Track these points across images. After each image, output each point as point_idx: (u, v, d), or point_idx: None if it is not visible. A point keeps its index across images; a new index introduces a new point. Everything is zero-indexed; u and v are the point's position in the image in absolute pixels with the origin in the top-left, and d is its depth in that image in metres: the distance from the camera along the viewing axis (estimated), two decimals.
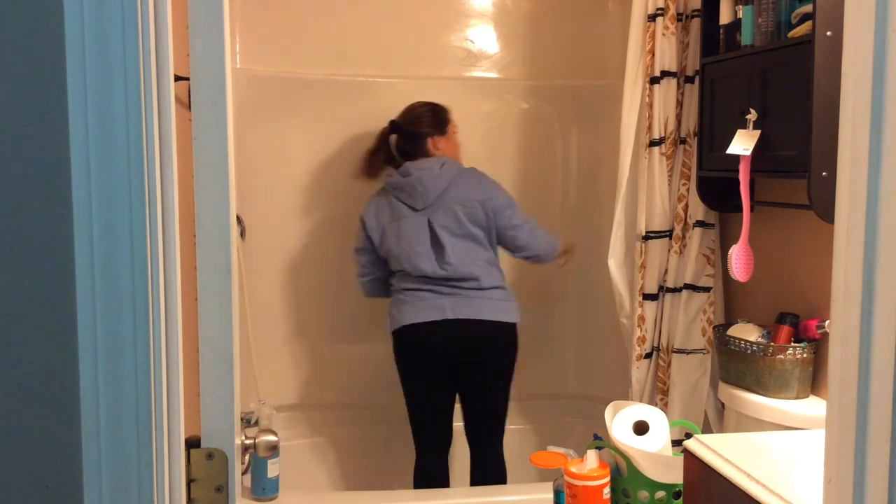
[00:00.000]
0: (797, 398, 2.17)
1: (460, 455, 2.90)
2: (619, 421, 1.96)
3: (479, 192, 2.66)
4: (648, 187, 2.59)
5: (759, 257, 2.31)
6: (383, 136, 2.77)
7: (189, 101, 0.95)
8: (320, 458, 3.11)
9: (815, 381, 2.21)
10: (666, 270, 2.63)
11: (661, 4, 2.53)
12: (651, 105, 2.56)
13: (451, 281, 2.61)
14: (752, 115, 2.16)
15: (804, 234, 2.31)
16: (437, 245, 2.61)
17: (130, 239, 0.86)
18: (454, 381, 2.71)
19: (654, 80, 2.56)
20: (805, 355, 2.17)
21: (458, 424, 2.80)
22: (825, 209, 1.96)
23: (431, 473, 2.72)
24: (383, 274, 2.74)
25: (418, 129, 2.73)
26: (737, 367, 2.26)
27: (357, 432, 3.15)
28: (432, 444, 2.74)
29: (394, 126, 2.76)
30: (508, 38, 3.23)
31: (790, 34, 2.06)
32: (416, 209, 2.64)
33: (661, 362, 2.64)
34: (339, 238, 3.15)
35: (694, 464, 1.47)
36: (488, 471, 2.74)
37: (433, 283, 2.61)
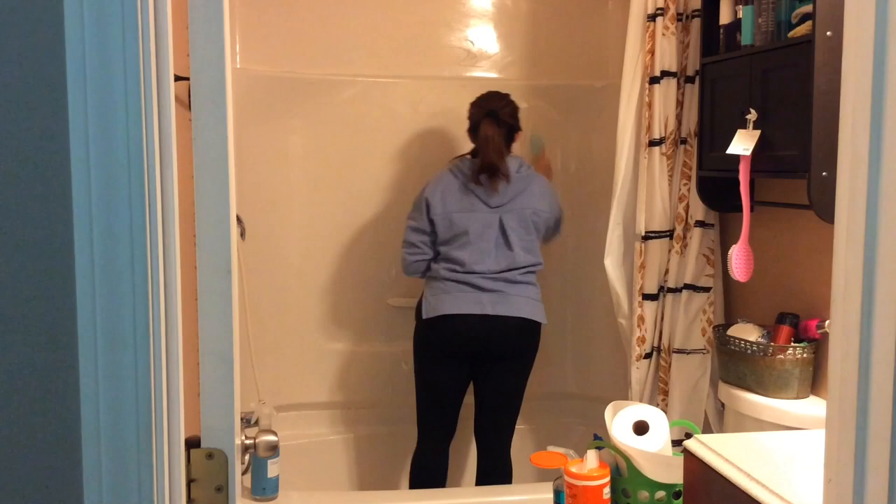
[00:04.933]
0: (797, 398, 2.17)
1: (463, 454, 2.90)
2: (619, 421, 1.96)
3: (546, 203, 2.73)
4: (648, 187, 2.59)
5: (759, 257, 2.31)
6: (497, 136, 2.68)
7: (189, 101, 0.95)
8: (320, 458, 3.11)
9: (815, 381, 2.21)
10: (667, 270, 2.63)
11: (661, 4, 2.53)
12: (651, 105, 2.56)
13: (499, 276, 2.65)
14: (752, 115, 2.16)
15: (804, 234, 2.31)
16: (503, 245, 2.66)
17: (130, 239, 0.86)
18: (473, 376, 2.75)
19: (654, 80, 2.56)
20: (805, 355, 2.17)
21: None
22: (825, 209, 1.96)
23: (432, 461, 2.75)
24: (433, 255, 2.73)
25: (517, 124, 2.74)
26: (737, 367, 2.26)
27: (357, 432, 3.16)
28: (437, 433, 2.76)
29: (495, 116, 2.68)
30: (508, 38, 3.23)
31: (790, 34, 2.06)
32: (490, 206, 2.66)
33: (663, 363, 2.64)
34: (339, 238, 3.15)
35: (694, 464, 1.47)
36: (496, 472, 2.74)
37: (479, 278, 2.64)
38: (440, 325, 2.65)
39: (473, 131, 2.74)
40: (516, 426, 3.20)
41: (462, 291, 2.64)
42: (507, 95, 2.75)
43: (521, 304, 2.65)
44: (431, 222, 2.69)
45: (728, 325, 2.43)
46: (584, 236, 3.24)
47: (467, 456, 3.07)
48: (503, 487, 2.68)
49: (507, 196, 2.66)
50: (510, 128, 2.72)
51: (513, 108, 2.73)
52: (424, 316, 2.67)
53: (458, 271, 2.66)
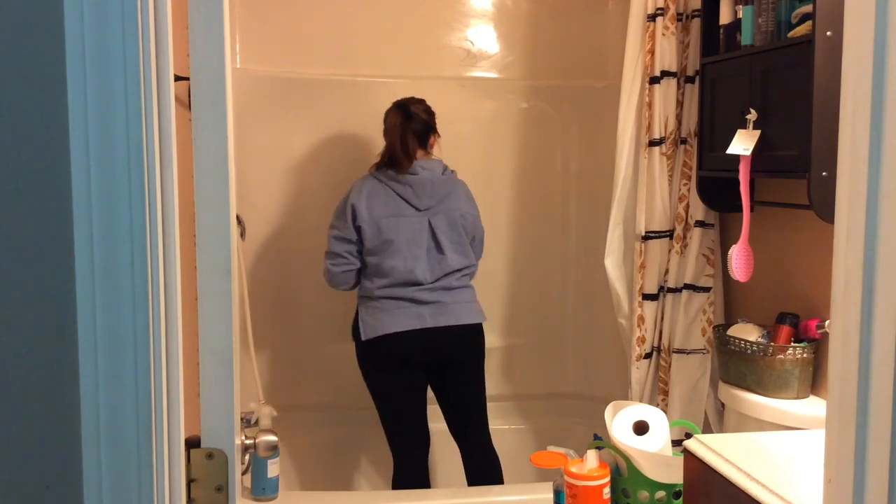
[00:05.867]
0: (797, 398, 2.17)
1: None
2: (619, 421, 1.96)
3: (471, 205, 2.71)
4: (648, 187, 2.59)
5: (759, 257, 2.31)
6: (403, 125, 2.62)
7: (189, 101, 0.95)
8: (320, 458, 3.11)
9: (815, 381, 2.21)
10: (667, 270, 2.63)
11: (661, 4, 2.53)
12: (651, 105, 2.56)
13: (436, 284, 2.60)
14: (752, 115, 2.16)
15: (804, 234, 2.31)
16: (435, 249, 2.61)
17: (130, 239, 0.86)
18: (428, 382, 2.72)
19: (654, 80, 2.56)
20: (805, 355, 2.17)
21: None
22: (825, 209, 1.96)
23: (415, 479, 2.68)
24: (360, 265, 2.64)
25: (433, 122, 2.68)
26: (737, 367, 2.26)
27: (357, 432, 3.15)
28: (414, 449, 2.70)
29: (412, 114, 2.63)
30: (508, 38, 3.23)
31: (790, 34, 2.06)
32: (419, 209, 2.60)
33: (663, 363, 2.64)
34: None
35: (694, 464, 1.47)
36: (482, 465, 2.73)
37: (416, 290, 2.58)
38: (381, 344, 2.58)
39: (384, 128, 2.68)
40: (516, 426, 3.20)
41: (400, 308, 2.57)
42: (422, 100, 2.69)
43: (459, 311, 2.62)
44: (358, 230, 2.58)
45: (728, 325, 2.43)
46: (584, 236, 3.24)
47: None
48: (502, 487, 2.67)
49: (436, 198, 2.61)
50: (425, 125, 2.64)
51: (427, 107, 2.67)
52: (364, 338, 2.59)
53: (393, 285, 2.58)
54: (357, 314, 2.65)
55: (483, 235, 2.79)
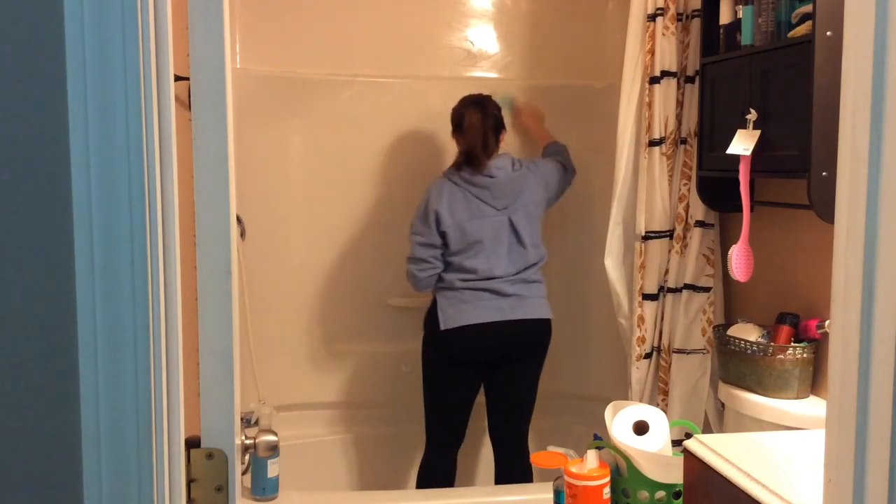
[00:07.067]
0: (797, 398, 2.17)
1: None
2: (619, 421, 1.96)
3: (542, 189, 2.74)
4: (648, 187, 2.59)
5: (759, 257, 2.31)
6: (484, 124, 2.66)
7: (189, 101, 0.95)
8: (320, 458, 3.11)
9: (815, 381, 2.21)
10: (667, 270, 2.63)
11: (661, 4, 2.53)
12: (651, 105, 2.56)
13: (517, 277, 2.65)
14: (752, 115, 2.16)
15: (804, 234, 2.31)
16: (517, 244, 2.66)
17: (130, 239, 0.86)
18: (484, 380, 2.75)
19: (654, 80, 2.56)
20: (805, 355, 2.17)
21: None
22: (825, 209, 1.96)
23: (442, 471, 2.72)
24: (443, 267, 2.69)
25: (502, 120, 2.73)
26: (737, 367, 2.26)
27: (357, 432, 3.16)
28: (447, 441, 2.74)
29: (489, 112, 2.68)
30: (508, 38, 3.23)
31: (790, 34, 2.07)
32: (497, 209, 2.65)
33: (663, 363, 2.64)
34: (339, 238, 3.15)
35: (694, 464, 1.47)
36: (515, 470, 2.73)
37: (497, 282, 2.63)
38: (459, 335, 2.62)
39: (458, 127, 2.71)
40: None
41: (480, 299, 2.62)
42: (490, 95, 2.76)
43: (536, 305, 2.68)
44: (443, 235, 2.64)
45: (728, 325, 2.43)
46: (584, 236, 3.23)
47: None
48: (503, 487, 2.68)
49: (512, 195, 2.67)
50: (498, 122, 2.71)
51: (496, 106, 2.74)
52: (443, 327, 2.62)
53: (473, 279, 2.63)
54: (434, 302, 2.69)
55: (558, 172, 2.84)
